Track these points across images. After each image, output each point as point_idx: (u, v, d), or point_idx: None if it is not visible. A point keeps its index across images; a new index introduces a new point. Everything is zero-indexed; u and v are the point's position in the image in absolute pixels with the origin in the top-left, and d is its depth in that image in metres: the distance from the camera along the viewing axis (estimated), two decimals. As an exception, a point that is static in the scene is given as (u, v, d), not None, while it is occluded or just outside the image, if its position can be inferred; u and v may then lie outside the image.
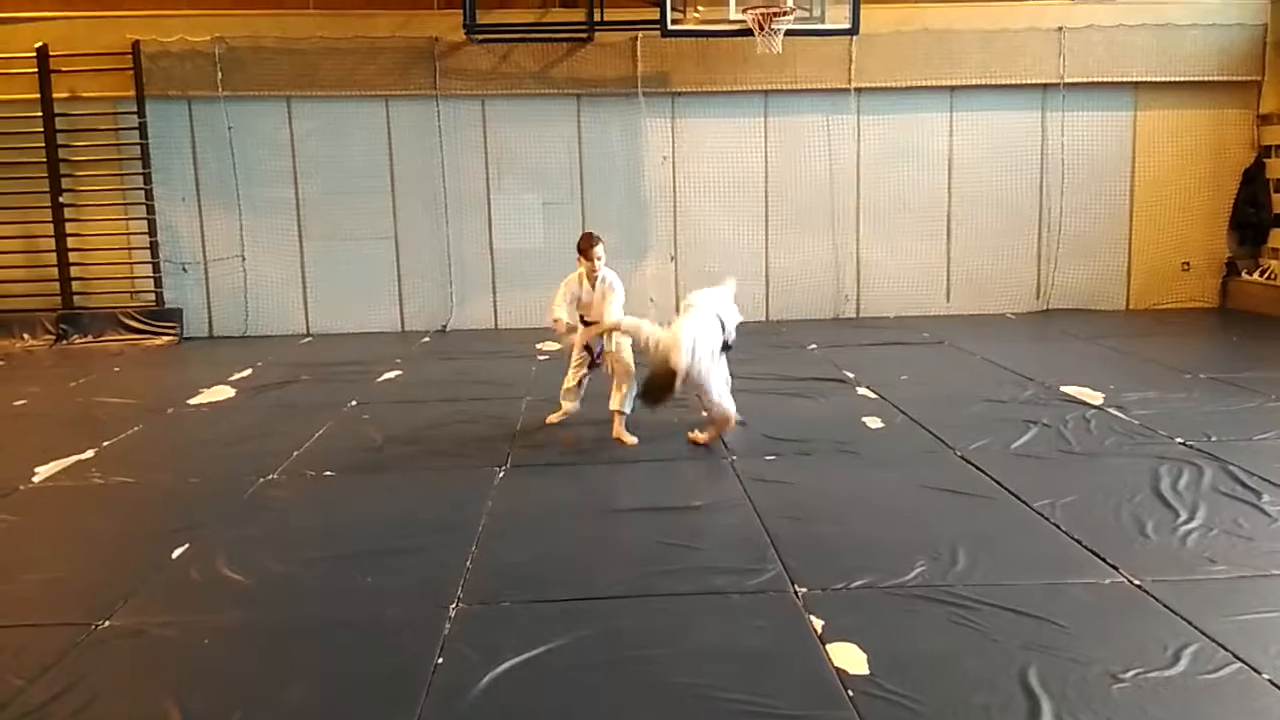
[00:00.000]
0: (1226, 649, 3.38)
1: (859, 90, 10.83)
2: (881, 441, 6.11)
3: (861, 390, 7.43)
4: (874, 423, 6.50)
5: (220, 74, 10.46)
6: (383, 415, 7.04)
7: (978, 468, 5.46)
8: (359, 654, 3.53)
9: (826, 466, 5.62)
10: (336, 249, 10.89)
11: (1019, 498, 4.95)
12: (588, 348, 6.38)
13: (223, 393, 7.96)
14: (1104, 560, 4.15)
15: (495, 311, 11.14)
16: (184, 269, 10.84)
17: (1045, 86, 10.87)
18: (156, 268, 10.68)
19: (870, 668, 3.32)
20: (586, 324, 6.39)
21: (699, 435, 6.00)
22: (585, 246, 6.31)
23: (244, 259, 10.84)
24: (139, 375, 9.01)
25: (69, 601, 4.02)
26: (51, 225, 10.53)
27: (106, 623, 3.79)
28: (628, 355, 6.22)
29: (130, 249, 10.73)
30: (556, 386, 6.69)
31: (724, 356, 6.01)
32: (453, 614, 3.79)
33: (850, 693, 3.17)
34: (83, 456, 6.12)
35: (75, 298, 10.70)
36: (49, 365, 9.49)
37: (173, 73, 10.50)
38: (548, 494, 5.27)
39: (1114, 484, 5.10)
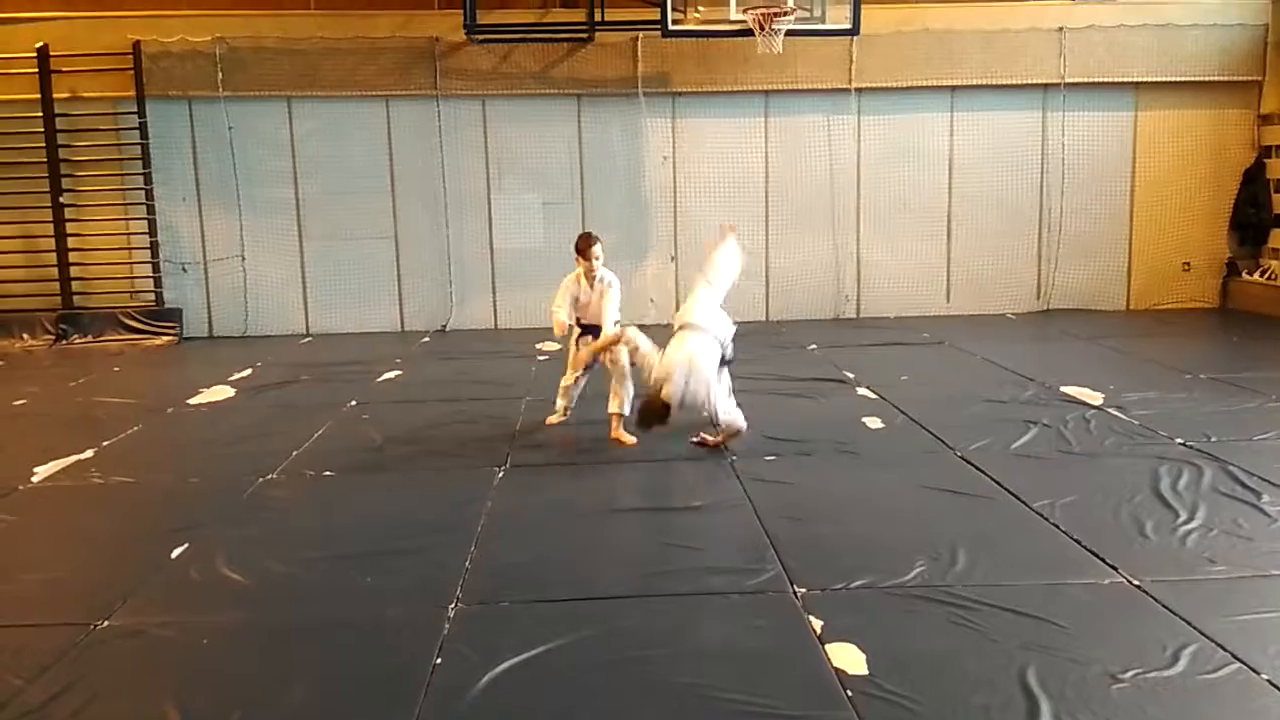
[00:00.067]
0: (1226, 649, 3.37)
1: (859, 90, 10.83)
2: (881, 442, 6.11)
3: (861, 391, 7.42)
4: (874, 423, 6.50)
5: (221, 74, 10.47)
6: (382, 415, 7.04)
7: (978, 468, 5.46)
8: (358, 654, 3.52)
9: (826, 467, 5.62)
10: (336, 249, 10.89)
11: (1019, 498, 4.95)
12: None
13: (222, 393, 7.96)
14: (1103, 560, 4.15)
15: (495, 311, 11.14)
16: (184, 269, 10.84)
17: (1046, 87, 10.87)
18: (156, 268, 10.68)
19: (869, 668, 3.31)
20: (584, 327, 6.39)
21: (708, 437, 5.98)
22: (583, 246, 6.32)
23: (244, 259, 10.84)
24: (139, 375, 9.01)
25: (68, 601, 4.02)
26: (51, 225, 10.54)
27: (106, 623, 3.79)
28: (624, 358, 6.21)
29: (130, 249, 10.73)
30: (556, 387, 6.70)
31: (726, 369, 5.98)
32: (452, 614, 3.79)
33: (849, 693, 3.16)
34: (82, 456, 6.12)
35: (75, 298, 10.70)
36: (49, 365, 9.49)
37: (173, 73, 10.50)
38: (547, 494, 5.26)
39: (1114, 484, 5.10)
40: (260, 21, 10.51)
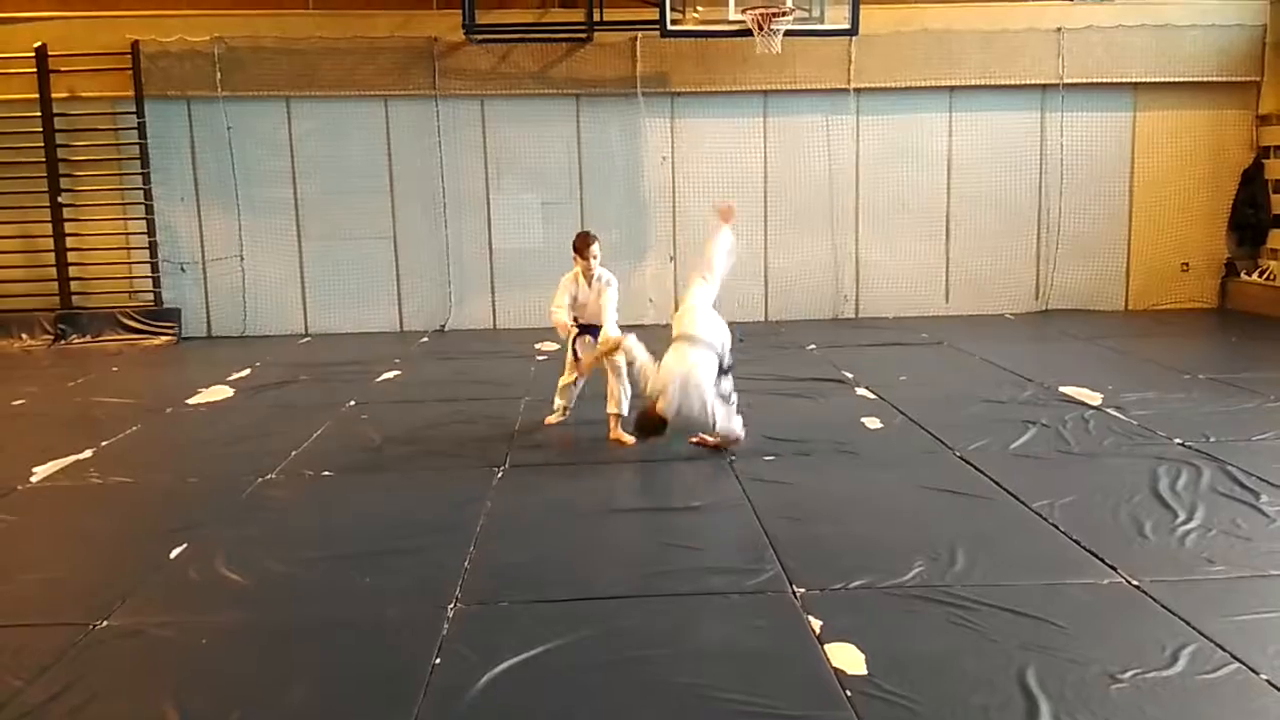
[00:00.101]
0: (1224, 649, 3.37)
1: (858, 90, 10.84)
2: (880, 442, 6.11)
3: (860, 391, 7.43)
4: (873, 423, 6.50)
5: (219, 74, 10.46)
6: (381, 415, 7.04)
7: (976, 468, 5.46)
8: (357, 654, 3.52)
9: (825, 467, 5.62)
10: (335, 249, 10.89)
11: (1018, 498, 4.95)
12: (579, 356, 6.40)
13: (221, 393, 7.96)
14: (1102, 561, 4.15)
15: (494, 311, 11.14)
16: (182, 269, 10.84)
17: (1044, 87, 10.88)
18: (155, 268, 10.68)
19: (868, 668, 3.31)
20: (582, 326, 6.39)
21: (707, 437, 5.98)
22: (581, 245, 6.32)
23: (242, 259, 10.84)
24: (137, 375, 9.00)
25: (67, 602, 4.01)
26: (50, 225, 10.53)
27: (105, 623, 3.79)
28: (621, 359, 6.20)
29: (129, 249, 10.73)
30: (555, 387, 6.71)
31: (728, 376, 5.98)
32: (451, 614, 3.79)
33: (848, 693, 3.16)
34: (81, 456, 6.12)
35: (74, 298, 10.69)
36: (47, 365, 9.49)
37: (172, 73, 10.50)
38: (546, 494, 5.26)
39: (1112, 484, 5.10)
40: (259, 21, 10.51)
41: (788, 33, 9.35)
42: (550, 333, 6.49)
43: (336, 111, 10.70)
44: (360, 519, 4.94)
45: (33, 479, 5.69)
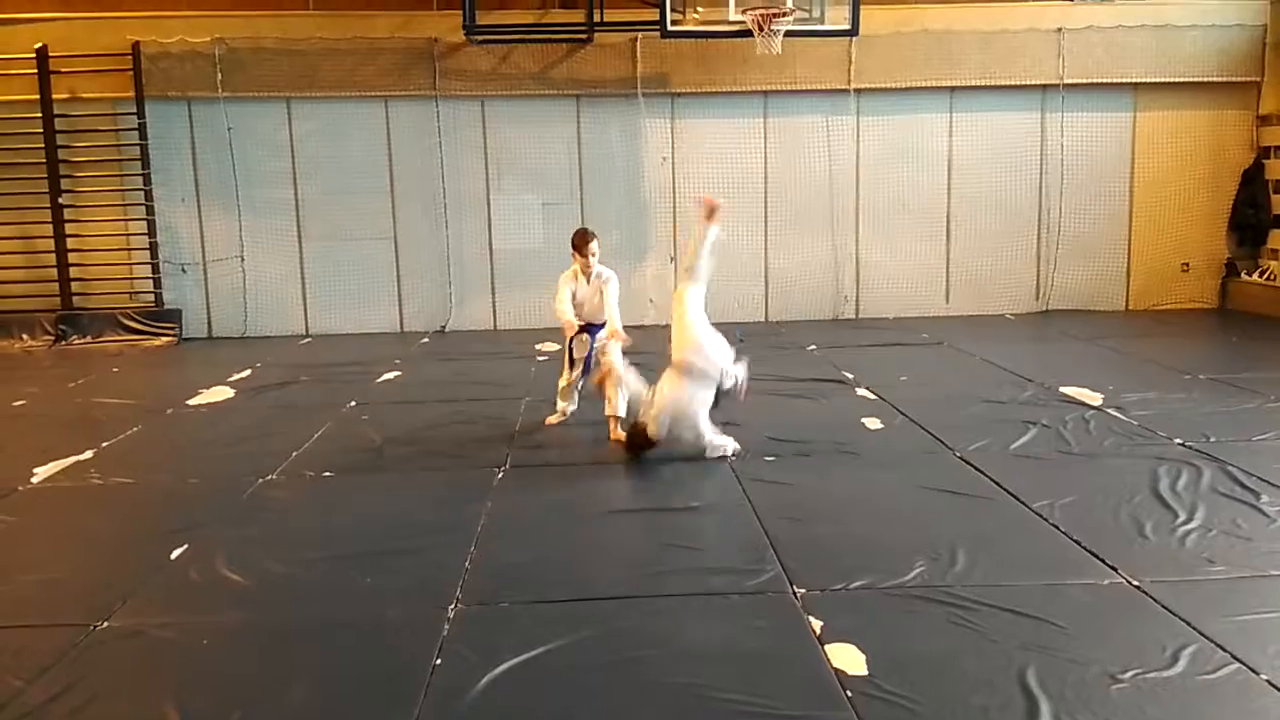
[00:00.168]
0: (1225, 650, 3.37)
1: (858, 91, 10.84)
2: (881, 442, 6.11)
3: (861, 391, 7.43)
4: (873, 424, 6.50)
5: (220, 75, 10.47)
6: (382, 416, 7.04)
7: (977, 468, 5.46)
8: (357, 655, 3.52)
9: (826, 467, 5.62)
10: (336, 250, 10.89)
11: (1018, 498, 4.95)
12: (573, 358, 6.41)
13: (222, 393, 7.96)
14: (1103, 561, 4.15)
15: (494, 312, 11.14)
16: (183, 269, 10.84)
17: (1045, 87, 10.88)
18: (156, 268, 10.68)
19: (869, 668, 3.31)
20: (581, 325, 6.38)
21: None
22: (580, 242, 6.31)
23: (243, 260, 10.84)
24: (138, 376, 9.00)
25: (68, 602, 4.02)
26: (51, 226, 10.53)
27: (105, 623, 3.79)
28: (618, 360, 6.19)
29: (130, 250, 10.73)
30: (555, 388, 6.71)
31: (737, 381, 5.91)
32: (451, 615, 3.79)
33: (849, 693, 3.17)
34: (81, 457, 6.12)
35: (74, 298, 10.70)
36: (48, 366, 9.49)
37: (172, 73, 10.50)
38: (547, 495, 5.27)
39: (1113, 485, 5.10)
40: (259, 22, 10.51)
41: (788, 33, 9.36)
42: (550, 333, 6.50)
43: (337, 112, 10.70)
44: (361, 519, 4.94)
45: (33, 480, 5.70)
